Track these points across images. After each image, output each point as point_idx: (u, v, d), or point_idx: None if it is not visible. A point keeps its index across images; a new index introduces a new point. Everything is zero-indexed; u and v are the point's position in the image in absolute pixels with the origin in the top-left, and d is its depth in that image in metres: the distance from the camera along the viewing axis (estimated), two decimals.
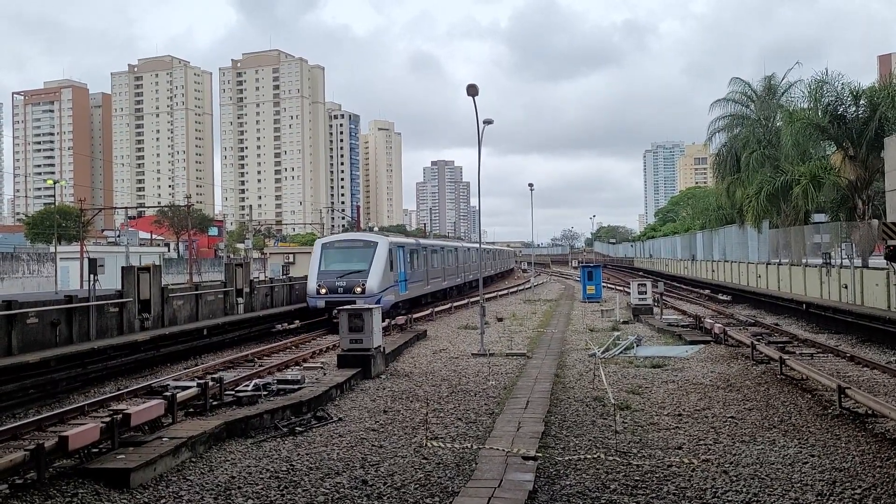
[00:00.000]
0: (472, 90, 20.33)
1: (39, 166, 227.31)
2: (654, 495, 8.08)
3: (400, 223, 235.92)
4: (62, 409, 12.99)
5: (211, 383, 13.11)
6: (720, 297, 37.95)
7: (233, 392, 13.67)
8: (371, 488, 8.53)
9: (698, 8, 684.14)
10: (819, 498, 7.91)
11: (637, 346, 20.02)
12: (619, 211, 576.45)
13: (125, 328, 19.55)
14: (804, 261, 29.79)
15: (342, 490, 8.49)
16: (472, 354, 19.56)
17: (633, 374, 16.02)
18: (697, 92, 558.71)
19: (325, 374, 16.07)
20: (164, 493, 8.45)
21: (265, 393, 13.67)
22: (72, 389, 15.58)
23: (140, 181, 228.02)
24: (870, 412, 11.09)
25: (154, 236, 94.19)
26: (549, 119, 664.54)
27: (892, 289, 20.94)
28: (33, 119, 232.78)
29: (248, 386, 14.14)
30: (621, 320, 27.31)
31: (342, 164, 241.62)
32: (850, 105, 29.22)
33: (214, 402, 12.75)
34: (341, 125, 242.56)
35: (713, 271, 46.14)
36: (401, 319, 25.67)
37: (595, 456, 9.54)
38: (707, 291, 41.62)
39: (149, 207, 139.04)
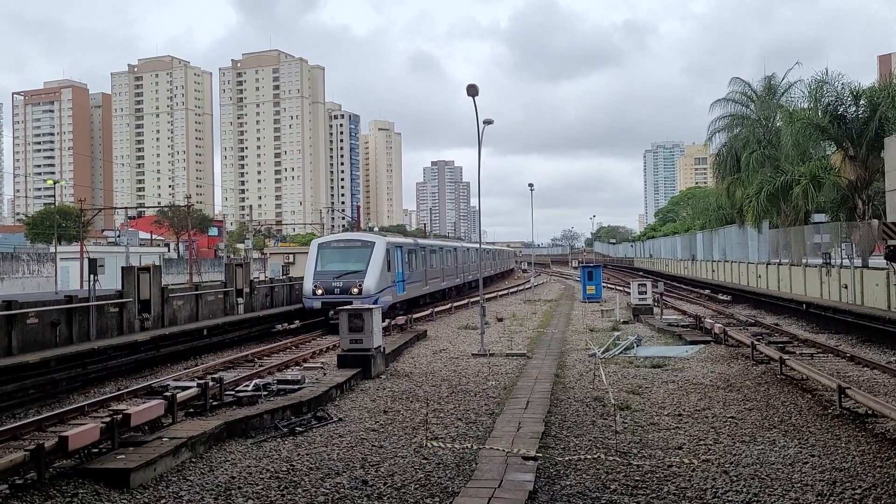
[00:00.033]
0: (472, 90, 20.33)
1: (39, 166, 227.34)
2: (654, 495, 8.08)
3: (400, 223, 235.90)
4: (62, 410, 12.99)
5: (211, 383, 13.10)
6: (720, 297, 37.94)
7: (233, 392, 13.67)
8: (371, 488, 8.53)
9: (698, 8, 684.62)
10: (819, 498, 7.91)
11: (637, 346, 20.02)
12: (619, 211, 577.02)
13: (125, 328, 19.55)
14: (804, 261, 29.80)
15: (342, 490, 8.49)
16: (473, 354, 19.55)
17: (634, 374, 16.02)
18: (697, 92, 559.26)
19: (325, 375, 16.07)
20: (165, 494, 8.45)
21: (265, 393, 13.66)
22: (72, 389, 15.58)
23: (140, 181, 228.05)
24: (870, 412, 11.09)
25: (154, 236, 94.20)
26: (549, 119, 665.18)
27: (892, 289, 20.94)
28: (33, 119, 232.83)
29: (248, 386, 14.14)
30: (621, 320, 27.31)
31: (342, 164, 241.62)
32: (850, 105, 29.22)
33: (214, 403, 12.75)
34: (341, 125, 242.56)
35: (713, 271, 46.14)
36: (401, 319, 25.63)
37: (595, 456, 9.54)
38: (707, 291, 41.62)
39: (149, 207, 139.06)
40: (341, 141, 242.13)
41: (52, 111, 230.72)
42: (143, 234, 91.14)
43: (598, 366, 16.31)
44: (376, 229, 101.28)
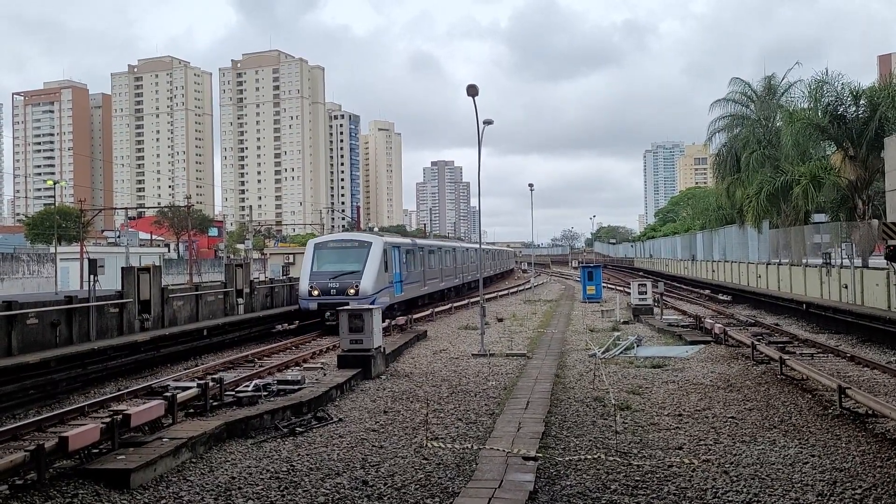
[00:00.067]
0: (472, 90, 20.33)
1: (39, 167, 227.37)
2: (654, 496, 8.08)
3: (400, 223, 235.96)
4: (62, 410, 12.99)
5: (211, 384, 13.11)
6: (720, 297, 37.94)
7: (233, 392, 13.67)
8: (371, 489, 8.53)
9: (698, 8, 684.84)
10: (819, 498, 7.91)
11: (637, 346, 20.02)
12: (619, 211, 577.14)
13: (125, 329, 19.55)
14: (804, 261, 29.80)
15: (342, 490, 8.49)
16: (473, 355, 19.55)
17: (634, 374, 16.01)
18: (697, 92, 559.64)
19: (325, 375, 16.06)
20: (165, 494, 8.44)
21: (265, 393, 13.66)
22: (72, 390, 15.58)
23: (140, 182, 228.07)
24: (870, 412, 11.09)
25: (154, 237, 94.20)
26: (549, 119, 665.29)
27: (893, 289, 20.93)
28: (33, 119, 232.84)
29: (248, 386, 14.13)
30: (621, 320, 27.31)
31: (342, 164, 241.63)
32: (850, 105, 29.23)
33: (215, 403, 12.75)
34: (341, 125, 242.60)
35: (713, 271, 46.14)
36: (401, 320, 25.59)
37: (595, 456, 9.54)
38: (707, 291, 41.61)
39: (149, 208, 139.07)
40: (341, 141, 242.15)
41: (51, 111, 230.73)
42: (143, 235, 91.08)
43: (599, 366, 16.32)
44: (376, 229, 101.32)
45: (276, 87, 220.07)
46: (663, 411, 12.27)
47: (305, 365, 18.36)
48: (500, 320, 29.37)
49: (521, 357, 18.84)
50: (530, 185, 53.24)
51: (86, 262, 28.26)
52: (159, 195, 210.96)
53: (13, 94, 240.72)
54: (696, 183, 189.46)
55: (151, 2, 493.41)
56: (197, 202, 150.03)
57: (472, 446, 10.16)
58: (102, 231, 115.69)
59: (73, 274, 56.17)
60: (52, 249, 62.18)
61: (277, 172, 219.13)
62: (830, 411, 11.79)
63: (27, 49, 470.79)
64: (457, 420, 11.98)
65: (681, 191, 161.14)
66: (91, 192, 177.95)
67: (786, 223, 34.48)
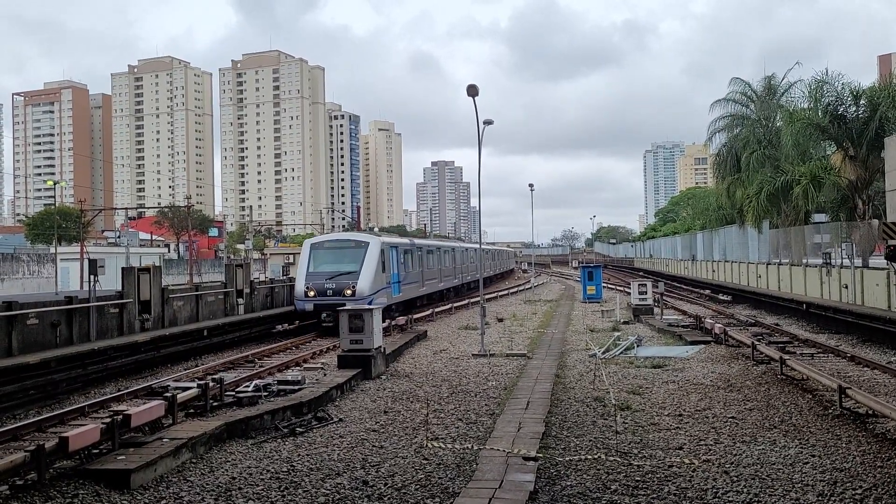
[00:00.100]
0: (473, 91, 20.32)
1: (39, 167, 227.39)
2: (654, 496, 8.08)
3: (400, 223, 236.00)
4: (62, 410, 12.99)
5: (211, 384, 13.11)
6: (720, 297, 37.94)
7: (233, 393, 13.67)
8: (372, 489, 8.53)
9: (698, 8, 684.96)
10: (820, 498, 7.91)
11: (637, 346, 20.01)
12: (620, 211, 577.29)
13: (125, 329, 19.55)
14: (804, 261, 29.80)
15: (343, 491, 8.49)
16: (473, 355, 19.55)
17: (634, 374, 16.01)
18: (697, 92, 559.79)
19: (325, 375, 16.07)
20: (165, 494, 8.44)
21: (265, 394, 13.66)
22: (72, 390, 15.58)
23: (140, 182, 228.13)
24: (870, 412, 11.09)
25: (154, 237, 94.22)
26: (549, 119, 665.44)
27: (893, 289, 20.93)
28: (33, 120, 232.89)
29: (248, 387, 14.13)
30: (622, 321, 27.30)
31: (342, 164, 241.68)
32: (850, 105, 29.23)
33: (215, 403, 12.75)
34: (341, 126, 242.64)
35: (713, 271, 46.14)
36: (401, 320, 25.55)
37: (596, 456, 9.54)
38: (707, 291, 41.61)
39: (149, 208, 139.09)
40: (341, 141, 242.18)
41: (52, 112, 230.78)
42: (144, 235, 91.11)
43: (599, 366, 16.32)
44: (376, 230, 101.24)
45: (277, 88, 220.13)
46: (663, 411, 12.26)
47: (306, 365, 18.36)
48: (501, 320, 29.37)
49: (522, 357, 18.84)
50: (530, 186, 53.27)
51: (86, 263, 28.25)
52: (159, 195, 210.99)
53: (13, 94, 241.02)
54: (697, 183, 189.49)
55: (151, 2, 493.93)
56: (197, 202, 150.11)
57: (472, 446, 10.16)
58: (102, 231, 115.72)
59: (74, 274, 56.17)
60: (53, 250, 62.19)
61: (277, 172, 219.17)
62: (831, 411, 11.79)
63: (27, 49, 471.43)
64: (457, 420, 11.98)
65: (681, 191, 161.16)
66: (91, 193, 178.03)
67: (786, 223, 34.48)
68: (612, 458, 9.43)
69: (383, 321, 22.34)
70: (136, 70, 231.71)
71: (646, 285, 30.05)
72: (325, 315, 24.41)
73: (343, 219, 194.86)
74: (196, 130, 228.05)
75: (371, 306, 17.78)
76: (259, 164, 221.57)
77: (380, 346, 17.05)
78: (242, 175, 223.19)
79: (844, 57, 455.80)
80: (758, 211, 34.67)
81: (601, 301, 38.23)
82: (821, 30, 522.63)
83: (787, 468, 8.96)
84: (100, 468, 8.79)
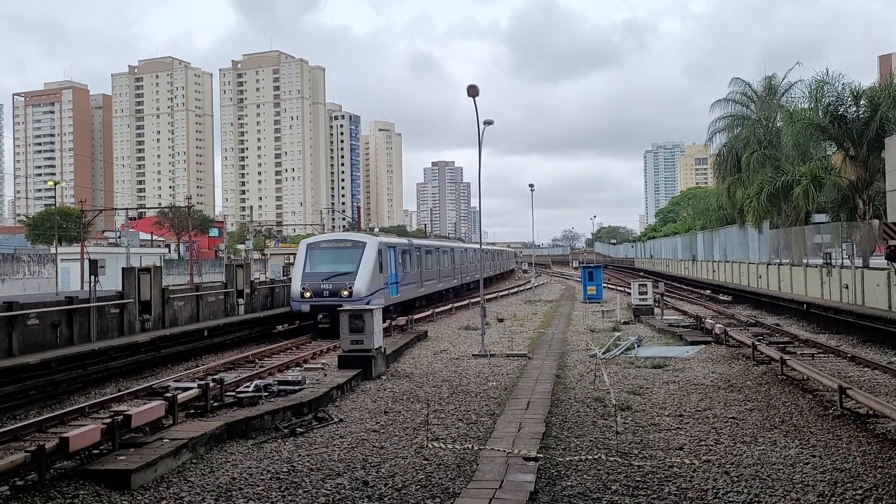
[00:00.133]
0: (473, 91, 20.32)
1: (40, 167, 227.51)
2: (655, 496, 8.08)
3: (400, 224, 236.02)
4: (63, 411, 12.99)
5: (212, 384, 13.11)
6: (721, 297, 37.94)
7: (234, 393, 13.67)
8: (372, 489, 8.53)
9: (698, 8, 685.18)
10: (820, 498, 7.91)
11: (638, 346, 20.00)
12: (620, 211, 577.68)
13: (126, 329, 19.55)
14: (805, 261, 29.79)
15: (343, 491, 8.49)
16: (473, 355, 19.55)
17: (634, 374, 16.01)
18: (697, 92, 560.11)
19: (325, 375, 16.07)
20: (165, 495, 8.45)
21: (266, 394, 13.66)
22: (72, 391, 15.58)
23: (140, 182, 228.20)
24: (871, 412, 11.09)
25: (154, 237, 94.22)
26: (549, 119, 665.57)
27: (893, 289, 20.92)
28: (34, 120, 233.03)
29: (248, 387, 14.13)
30: (622, 321, 27.30)
31: (342, 164, 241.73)
32: (850, 105, 29.22)
33: (215, 404, 12.75)
34: (342, 126, 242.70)
35: (714, 272, 46.13)
36: (401, 320, 25.52)
37: (596, 457, 9.53)
38: (708, 292, 41.60)
39: (149, 208, 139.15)
40: (342, 141, 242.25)
41: (52, 112, 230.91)
42: (144, 235, 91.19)
43: (599, 366, 16.31)
44: (376, 230, 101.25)
45: (277, 88, 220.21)
46: (664, 412, 12.26)
47: (306, 365, 18.37)
48: (501, 321, 29.36)
49: (522, 357, 18.84)
50: (531, 186, 53.28)
51: (86, 263, 28.25)
52: (160, 196, 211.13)
53: (14, 94, 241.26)
54: (697, 183, 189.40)
55: (151, 2, 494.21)
56: (197, 203, 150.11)
57: (472, 447, 10.16)
58: (103, 231, 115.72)
59: (74, 274, 56.17)
60: (53, 250, 62.19)
61: (278, 173, 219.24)
62: (831, 412, 11.78)
63: (27, 49, 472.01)
64: (457, 420, 11.98)
65: (681, 191, 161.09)
66: (91, 193, 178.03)
67: (786, 223, 34.47)
68: (612, 459, 9.43)
69: (386, 320, 22.33)
70: (136, 70, 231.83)
71: (646, 285, 30.04)
72: (321, 316, 24.09)
73: (343, 219, 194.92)
74: (196, 131, 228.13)
75: (369, 307, 17.75)
76: (259, 165, 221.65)
77: (380, 347, 17.05)
78: (243, 175, 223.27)
79: (844, 57, 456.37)
80: (758, 211, 34.65)
81: (601, 301, 38.22)
82: (821, 30, 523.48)
83: (787, 468, 8.96)
84: (100, 468, 8.79)
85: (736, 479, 8.60)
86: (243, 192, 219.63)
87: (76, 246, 63.83)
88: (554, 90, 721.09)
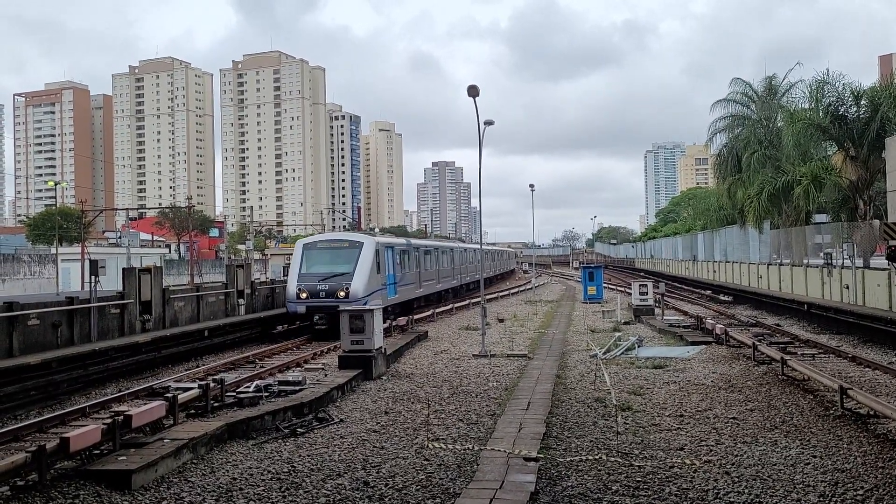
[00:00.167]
0: (473, 91, 20.31)
1: (40, 168, 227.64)
2: (655, 496, 8.07)
3: (401, 224, 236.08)
4: (63, 411, 12.99)
5: (212, 385, 13.11)
6: (721, 297, 37.92)
7: (234, 393, 13.66)
8: (372, 489, 8.53)
9: (698, 8, 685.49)
10: (821, 499, 7.90)
11: (638, 346, 20.00)
12: (620, 211, 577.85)
13: (126, 329, 19.56)
14: (805, 261, 29.78)
15: (344, 491, 8.48)
16: (474, 355, 19.55)
17: (635, 374, 16.01)
18: (697, 92, 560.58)
19: (326, 376, 16.07)
20: (166, 495, 8.44)
21: (266, 394, 13.66)
22: (73, 391, 15.58)
23: (141, 182, 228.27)
24: (872, 413, 11.08)
25: (155, 237, 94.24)
26: (549, 119, 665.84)
27: (894, 289, 20.91)
28: (34, 121, 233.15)
29: (249, 387, 14.14)
30: (622, 321, 27.30)
31: (343, 165, 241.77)
32: (851, 105, 29.22)
33: (216, 404, 12.75)
34: (342, 126, 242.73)
35: (714, 272, 46.12)
36: (402, 321, 25.49)
37: (597, 457, 9.53)
38: (708, 292, 41.59)
39: (150, 209, 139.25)
40: (342, 142, 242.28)
41: (53, 112, 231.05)
42: (144, 236, 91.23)
43: (600, 367, 16.30)
44: (377, 230, 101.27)
45: (277, 88, 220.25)
46: (664, 412, 12.26)
47: (306, 366, 18.37)
48: (501, 321, 29.36)
49: (522, 358, 18.83)
50: (531, 186, 53.28)
51: (87, 263, 28.25)
52: (160, 196, 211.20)
53: (14, 95, 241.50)
54: (697, 183, 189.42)
55: (151, 2, 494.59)
56: (198, 203, 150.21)
57: (473, 447, 10.16)
58: (103, 232, 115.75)
59: (74, 275, 56.19)
60: (54, 250, 62.22)
61: (278, 173, 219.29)
62: (832, 412, 11.78)
63: (27, 50, 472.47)
64: (458, 421, 11.97)
65: (682, 191, 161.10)
66: (92, 193, 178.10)
67: (787, 223, 34.46)
68: (612, 459, 9.43)
69: (387, 320, 22.27)
70: (136, 71, 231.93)
71: (646, 286, 30.03)
72: (317, 318, 23.77)
73: (344, 219, 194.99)
74: (197, 131, 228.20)
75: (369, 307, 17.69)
76: (260, 165, 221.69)
77: (381, 347, 17.05)
78: (243, 175, 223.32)
79: (844, 57, 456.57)
80: (759, 211, 34.65)
81: (602, 301, 38.21)
82: (821, 30, 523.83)
83: (788, 469, 8.95)
84: (101, 469, 8.79)
85: (737, 479, 8.59)
86: (244, 192, 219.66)
87: (77, 246, 63.86)
88: (554, 90, 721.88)
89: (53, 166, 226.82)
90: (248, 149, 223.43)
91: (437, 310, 32.22)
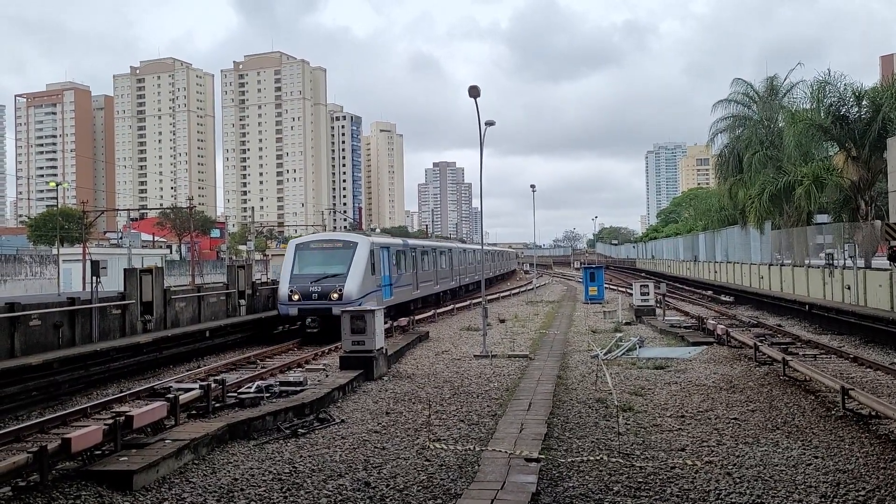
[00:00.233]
0: (474, 92, 20.31)
1: (42, 168, 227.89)
2: (657, 497, 8.07)
3: (402, 225, 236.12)
4: (65, 412, 13.00)
5: (213, 385, 13.12)
6: (722, 298, 37.90)
7: (235, 394, 13.67)
8: (374, 490, 8.52)
9: (698, 8, 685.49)
10: (823, 500, 7.89)
11: (639, 347, 19.99)
12: (621, 212, 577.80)
13: (127, 330, 19.57)
14: (807, 262, 29.77)
15: (345, 492, 8.48)
16: (475, 356, 19.54)
17: (636, 375, 15.99)
18: (698, 92, 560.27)
19: (327, 376, 16.07)
20: (167, 496, 8.45)
21: (267, 395, 13.67)
22: (74, 391, 15.59)
23: (142, 183, 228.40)
24: (873, 413, 11.06)
25: (156, 238, 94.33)
26: (549, 119, 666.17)
27: (895, 290, 20.90)
28: (36, 121, 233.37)
29: (250, 388, 14.14)
30: (623, 321, 27.28)
31: (344, 165, 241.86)
32: (852, 106, 29.20)
33: (217, 404, 12.76)
34: (343, 127, 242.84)
35: (715, 272, 46.10)
36: (403, 321, 25.46)
37: (598, 458, 9.52)
38: (709, 292, 41.57)
39: (151, 209, 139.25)
40: (343, 142, 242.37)
41: (54, 113, 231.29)
42: (146, 236, 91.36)
43: (601, 367, 16.29)
44: (377, 230, 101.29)
45: (278, 89, 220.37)
46: (666, 412, 12.25)
47: (307, 366, 18.37)
48: (502, 321, 29.34)
49: (524, 358, 18.82)
50: (532, 186, 53.29)
51: (88, 264, 28.25)
52: (161, 196, 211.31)
53: (15, 96, 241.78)
54: (698, 184, 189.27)
55: (151, 2, 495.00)
56: (199, 203, 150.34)
57: (474, 448, 10.15)
58: (105, 232, 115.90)
59: (76, 275, 56.24)
60: (55, 251, 62.25)
61: (279, 174, 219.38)
62: (833, 413, 11.76)
63: (28, 50, 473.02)
64: (459, 421, 11.97)
65: (683, 191, 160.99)
66: (93, 194, 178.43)
67: (788, 224, 34.44)
68: (614, 460, 9.42)
69: (387, 321, 22.23)
70: (138, 71, 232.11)
71: (648, 286, 30.00)
72: (309, 320, 23.33)
73: (345, 220, 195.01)
74: (198, 132, 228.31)
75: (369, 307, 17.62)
76: (261, 166, 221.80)
77: (382, 348, 17.05)
78: (244, 176, 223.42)
79: (845, 57, 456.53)
80: (760, 212, 34.63)
81: (603, 302, 38.18)
82: (821, 30, 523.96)
83: (789, 470, 8.94)
84: (102, 469, 8.79)
85: (738, 480, 8.59)
86: (245, 192, 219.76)
87: (78, 247, 63.93)
88: (554, 90, 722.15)
89: (55, 167, 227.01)
90: (249, 149, 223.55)
91: (439, 310, 32.21)
